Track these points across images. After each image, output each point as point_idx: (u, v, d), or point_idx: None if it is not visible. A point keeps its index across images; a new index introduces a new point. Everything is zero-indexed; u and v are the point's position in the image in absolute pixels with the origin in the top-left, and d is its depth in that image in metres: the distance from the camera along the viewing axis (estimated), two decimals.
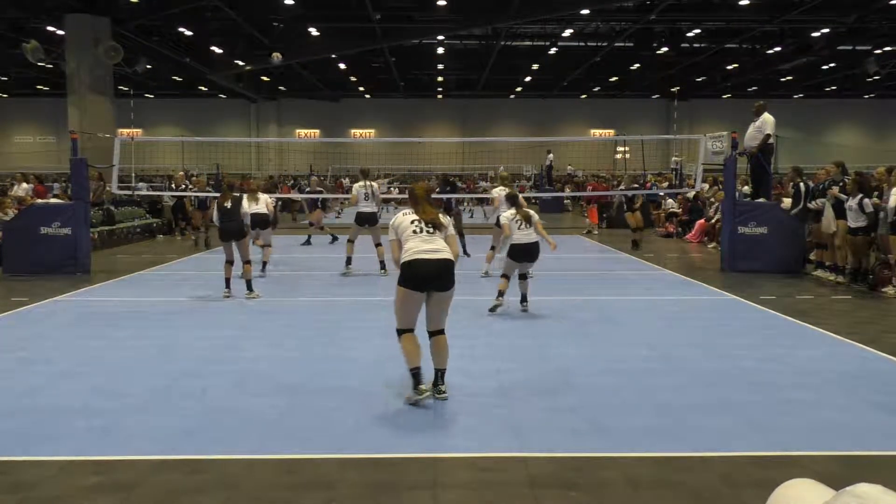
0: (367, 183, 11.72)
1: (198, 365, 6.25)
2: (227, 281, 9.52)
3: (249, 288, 9.48)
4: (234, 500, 3.74)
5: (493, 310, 8.36)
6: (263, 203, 11.59)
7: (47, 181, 26.62)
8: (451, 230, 5.43)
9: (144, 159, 36.19)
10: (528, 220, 8.33)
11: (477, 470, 4.10)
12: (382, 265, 11.47)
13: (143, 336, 7.33)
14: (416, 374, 5.16)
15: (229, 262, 9.51)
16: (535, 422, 4.85)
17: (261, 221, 11.53)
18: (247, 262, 9.55)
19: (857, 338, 7.24)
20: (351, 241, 11.76)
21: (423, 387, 5.15)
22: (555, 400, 5.28)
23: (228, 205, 9.40)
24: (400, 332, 5.28)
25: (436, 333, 5.34)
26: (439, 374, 5.30)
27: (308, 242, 16.34)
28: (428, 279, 5.14)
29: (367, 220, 11.48)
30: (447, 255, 5.22)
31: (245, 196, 10.02)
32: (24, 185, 17.95)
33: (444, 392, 5.26)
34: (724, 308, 8.97)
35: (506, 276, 8.49)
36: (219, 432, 4.66)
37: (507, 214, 8.56)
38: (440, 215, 5.44)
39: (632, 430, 4.69)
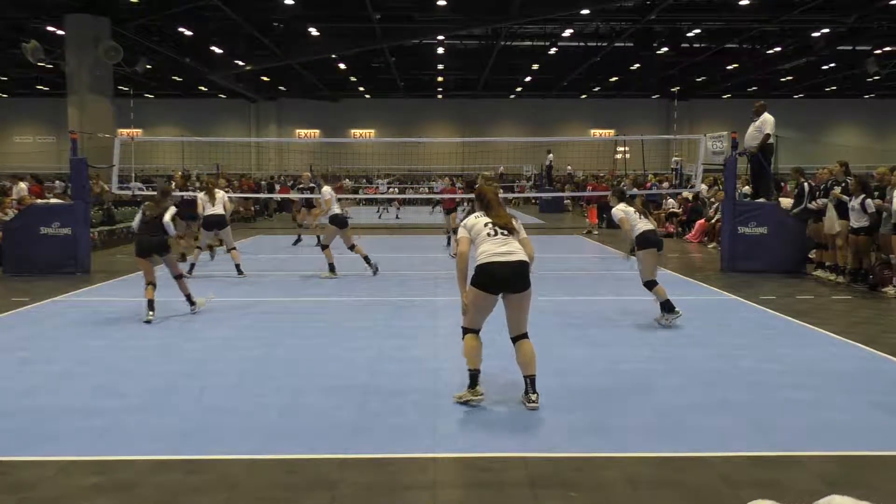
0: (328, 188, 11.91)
1: (197, 365, 6.25)
2: (151, 302, 8.02)
3: (191, 302, 8.39)
4: (234, 500, 3.74)
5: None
6: (220, 203, 11.55)
7: (47, 181, 26.64)
8: (524, 233, 5.38)
9: (144, 159, 36.20)
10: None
11: (477, 470, 4.10)
12: (367, 260, 11.49)
13: (143, 336, 7.34)
14: (474, 375, 5.17)
15: (151, 285, 8.07)
16: (535, 422, 4.85)
17: (217, 222, 11.50)
18: (178, 276, 8.40)
19: (857, 338, 7.24)
20: (327, 247, 11.57)
21: (479, 388, 5.14)
22: (555, 400, 5.28)
23: (152, 213, 8.21)
24: (465, 330, 5.27)
25: (519, 338, 5.27)
26: (529, 382, 5.15)
27: (298, 241, 16.30)
28: (503, 281, 5.12)
29: (342, 223, 11.41)
30: (522, 256, 5.19)
31: (199, 195, 9.28)
32: (21, 183, 17.95)
33: (534, 402, 5.06)
34: (724, 308, 8.98)
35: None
36: (219, 432, 4.66)
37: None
38: (512, 219, 5.39)
39: (632, 430, 4.69)
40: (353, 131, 47.67)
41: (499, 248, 5.13)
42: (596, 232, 19.87)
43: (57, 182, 25.93)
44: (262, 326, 7.85)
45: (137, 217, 8.39)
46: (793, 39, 30.25)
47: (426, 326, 7.83)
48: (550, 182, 29.90)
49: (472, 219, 5.41)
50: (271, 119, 48.17)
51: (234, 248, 11.79)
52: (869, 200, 10.10)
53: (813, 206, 11.78)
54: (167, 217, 8.15)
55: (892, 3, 23.21)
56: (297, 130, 48.07)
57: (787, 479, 3.96)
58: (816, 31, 28.54)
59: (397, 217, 25.99)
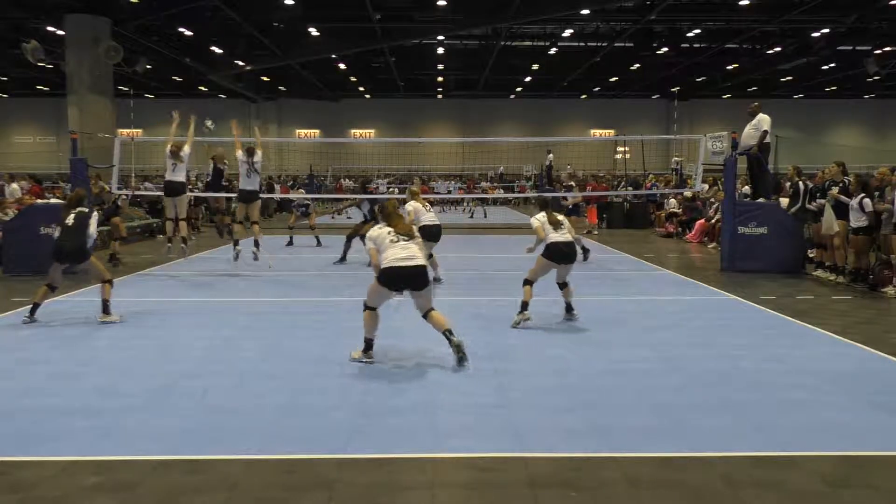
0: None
1: (197, 365, 6.25)
2: (36, 307, 7.94)
3: (106, 310, 8.02)
4: (234, 500, 3.74)
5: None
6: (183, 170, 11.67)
7: (48, 181, 26.64)
8: (420, 238, 6.53)
9: (144, 159, 36.18)
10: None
11: (477, 470, 4.10)
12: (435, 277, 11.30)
13: (143, 336, 7.33)
14: (370, 342, 6.31)
15: (51, 288, 7.99)
16: (535, 422, 4.85)
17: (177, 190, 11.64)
18: (107, 281, 8.10)
19: (857, 338, 7.24)
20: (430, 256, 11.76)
21: (371, 353, 6.28)
22: (554, 400, 5.28)
23: (70, 221, 7.95)
24: (366, 306, 6.31)
25: (428, 312, 6.34)
26: (448, 333, 6.21)
27: (318, 244, 16.32)
28: (405, 281, 6.20)
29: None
30: (421, 261, 6.28)
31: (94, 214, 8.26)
32: (14, 185, 17.93)
33: (458, 341, 6.17)
34: (724, 308, 8.97)
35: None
36: (218, 432, 4.66)
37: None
38: (411, 227, 6.60)
39: (632, 430, 4.69)
40: (353, 131, 47.68)
41: (401, 254, 6.17)
42: (596, 232, 19.87)
43: (63, 184, 25.88)
44: (262, 326, 7.85)
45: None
46: (793, 39, 30.26)
47: (426, 326, 7.81)
48: (550, 182, 29.90)
49: (375, 230, 6.47)
50: (271, 119, 48.16)
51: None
52: (867, 200, 10.10)
53: (812, 206, 11.79)
54: (91, 227, 8.00)
55: (892, 3, 23.23)
56: (297, 130, 48.08)
57: (787, 479, 3.96)
58: (816, 31, 28.56)
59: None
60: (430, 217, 10.38)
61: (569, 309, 8.13)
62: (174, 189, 11.58)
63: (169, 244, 11.78)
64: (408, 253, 6.20)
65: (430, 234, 9.90)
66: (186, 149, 11.59)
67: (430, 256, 10.05)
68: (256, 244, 11.61)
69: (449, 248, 14.60)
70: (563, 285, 8.11)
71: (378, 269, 6.25)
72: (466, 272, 11.06)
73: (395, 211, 6.59)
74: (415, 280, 6.19)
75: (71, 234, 7.91)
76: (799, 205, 12.31)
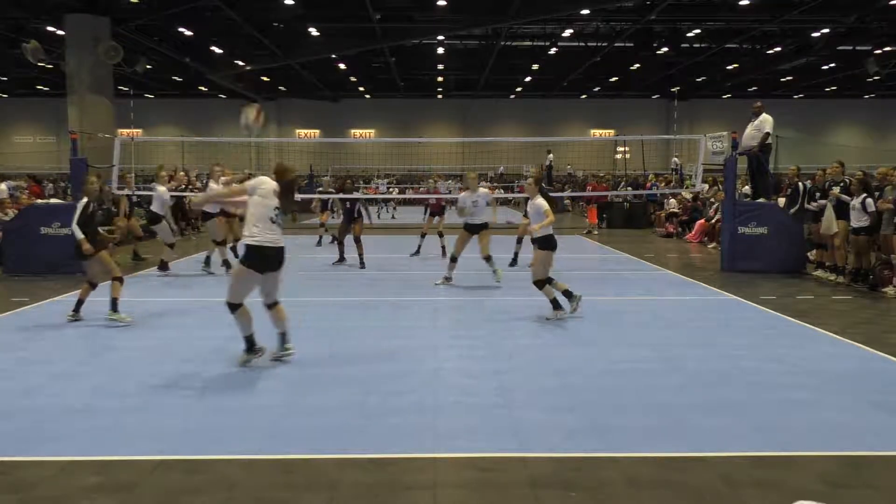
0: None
1: (198, 365, 6.24)
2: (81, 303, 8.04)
3: (75, 308, 8.05)
4: (234, 500, 3.74)
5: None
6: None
7: (46, 181, 26.60)
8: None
9: (144, 159, 36.19)
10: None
11: (477, 470, 4.10)
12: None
13: (143, 336, 7.33)
14: (251, 339, 6.14)
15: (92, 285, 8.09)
16: (535, 422, 4.85)
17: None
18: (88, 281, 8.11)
19: (857, 338, 7.24)
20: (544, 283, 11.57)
21: (256, 347, 6.14)
22: (555, 400, 5.29)
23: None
24: (234, 306, 6.06)
25: (274, 305, 6.28)
26: (283, 336, 6.30)
27: (319, 244, 16.35)
28: (272, 263, 6.05)
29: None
30: (283, 243, 6.12)
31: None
32: (2, 185, 17.90)
33: (290, 348, 6.29)
34: (724, 308, 8.97)
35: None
36: (219, 432, 4.66)
37: None
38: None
39: (632, 430, 4.69)
40: (353, 131, 47.67)
41: (271, 235, 5.98)
42: (596, 232, 19.87)
43: (49, 184, 25.71)
44: (262, 326, 7.82)
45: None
46: (793, 39, 30.24)
47: (426, 326, 7.83)
48: (550, 182, 29.88)
49: (267, 187, 6.12)
50: (271, 119, 48.10)
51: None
52: (869, 200, 10.10)
53: (812, 206, 11.78)
54: (73, 221, 7.82)
55: (892, 3, 23.20)
56: (297, 130, 48.06)
57: (787, 479, 3.96)
58: (816, 31, 28.53)
59: (393, 217, 26.00)
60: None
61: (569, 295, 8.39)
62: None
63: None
64: (278, 235, 6.05)
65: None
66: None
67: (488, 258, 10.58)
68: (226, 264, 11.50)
69: (449, 247, 14.58)
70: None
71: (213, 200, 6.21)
72: (467, 272, 11.06)
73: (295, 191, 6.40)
74: (280, 261, 6.12)
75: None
76: (798, 206, 12.30)
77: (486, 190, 9.97)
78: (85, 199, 7.99)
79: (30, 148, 45.58)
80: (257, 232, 5.94)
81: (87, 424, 4.78)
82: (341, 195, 13.97)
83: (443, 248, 13.71)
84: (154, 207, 12.09)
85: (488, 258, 10.67)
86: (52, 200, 15.02)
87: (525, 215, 12.58)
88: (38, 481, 3.94)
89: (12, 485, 3.90)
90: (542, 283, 8.17)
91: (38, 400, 5.30)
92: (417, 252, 13.99)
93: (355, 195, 13.69)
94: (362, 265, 12.18)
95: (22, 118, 46.98)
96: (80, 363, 6.33)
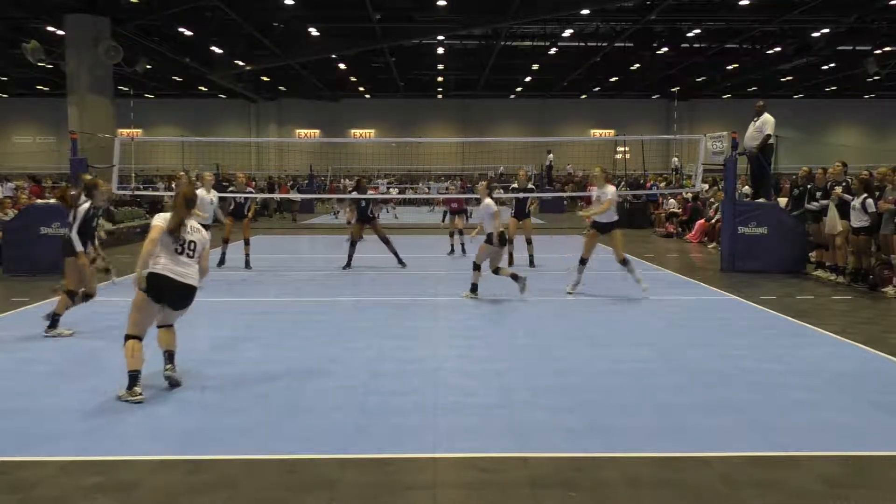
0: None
1: (198, 365, 6.25)
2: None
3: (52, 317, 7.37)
4: (234, 501, 3.74)
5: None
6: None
7: (43, 181, 26.56)
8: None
9: (144, 159, 36.21)
10: None
11: (477, 470, 4.10)
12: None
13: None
14: (136, 376, 5.28)
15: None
16: (535, 422, 4.85)
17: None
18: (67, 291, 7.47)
19: (857, 338, 7.24)
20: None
21: (138, 389, 5.25)
22: (555, 400, 5.29)
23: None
24: (130, 335, 5.42)
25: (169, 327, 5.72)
26: (169, 355, 5.63)
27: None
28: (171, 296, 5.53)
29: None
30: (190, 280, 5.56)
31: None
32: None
33: (172, 370, 5.59)
34: (724, 308, 8.97)
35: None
36: (219, 432, 4.66)
37: None
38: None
39: (632, 430, 4.69)
40: (353, 131, 47.68)
41: (177, 268, 5.47)
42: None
43: (7, 184, 25.14)
44: (262, 326, 7.85)
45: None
46: (793, 39, 30.25)
47: (426, 326, 7.83)
48: (550, 182, 29.90)
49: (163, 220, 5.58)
50: (271, 119, 48.16)
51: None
52: (870, 200, 10.10)
53: (814, 206, 11.79)
54: (74, 230, 7.32)
55: (892, 3, 23.22)
56: (297, 130, 48.08)
57: (787, 479, 3.96)
58: (816, 31, 28.54)
59: (395, 217, 26.00)
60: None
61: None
62: None
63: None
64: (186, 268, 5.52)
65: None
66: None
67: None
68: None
69: (448, 247, 14.60)
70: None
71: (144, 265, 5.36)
72: (467, 272, 11.05)
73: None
74: (184, 298, 5.61)
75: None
76: (801, 209, 12.32)
77: (490, 202, 9.55)
78: (87, 204, 7.37)
79: (30, 148, 45.59)
80: (160, 263, 5.44)
81: (87, 424, 4.78)
82: (355, 194, 13.79)
83: (462, 245, 14.16)
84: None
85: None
86: (52, 200, 15.00)
87: (513, 215, 12.64)
88: (38, 481, 3.94)
89: (12, 485, 3.90)
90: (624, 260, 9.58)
91: (38, 400, 5.30)
92: (452, 251, 14.34)
93: (370, 195, 13.45)
94: (401, 263, 12.18)
95: (22, 118, 46.99)
96: (80, 363, 6.33)
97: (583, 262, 9.85)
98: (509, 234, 12.52)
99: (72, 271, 7.28)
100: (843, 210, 10.65)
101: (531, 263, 12.34)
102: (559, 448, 4.40)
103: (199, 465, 4.14)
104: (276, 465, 4.15)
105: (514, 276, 9.26)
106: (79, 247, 7.26)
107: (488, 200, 9.54)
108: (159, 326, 5.66)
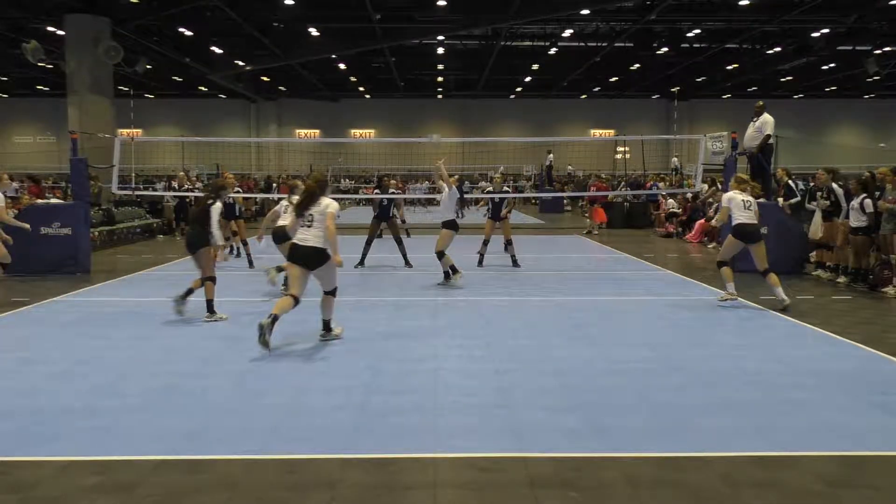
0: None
1: (198, 365, 6.25)
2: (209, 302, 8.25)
3: (210, 309, 8.25)
4: (235, 501, 3.74)
5: None
6: None
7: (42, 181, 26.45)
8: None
9: (144, 159, 36.20)
10: None
11: (477, 470, 4.10)
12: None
13: (143, 336, 7.33)
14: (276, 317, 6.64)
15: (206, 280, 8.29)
16: (535, 422, 4.85)
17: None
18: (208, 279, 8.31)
19: (857, 338, 7.24)
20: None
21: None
22: (555, 400, 5.29)
23: (195, 212, 8.63)
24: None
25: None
26: (327, 322, 7.21)
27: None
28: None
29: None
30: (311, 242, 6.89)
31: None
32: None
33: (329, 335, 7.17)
34: (725, 308, 8.97)
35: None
36: (219, 432, 4.66)
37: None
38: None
39: (632, 430, 4.69)
40: (353, 131, 47.68)
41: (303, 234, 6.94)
42: (596, 232, 19.88)
43: (12, 184, 25.14)
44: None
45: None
46: (793, 39, 30.25)
47: (426, 326, 7.83)
48: (551, 182, 29.90)
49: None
50: (271, 119, 48.17)
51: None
52: (868, 201, 10.11)
53: (812, 206, 11.80)
54: (213, 217, 8.04)
55: (892, 3, 23.22)
56: (297, 130, 48.08)
57: (787, 479, 3.96)
58: (816, 31, 28.54)
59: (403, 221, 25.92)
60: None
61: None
62: None
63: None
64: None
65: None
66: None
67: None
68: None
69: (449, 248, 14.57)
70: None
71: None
72: (467, 272, 11.06)
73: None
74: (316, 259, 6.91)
75: (194, 224, 8.29)
76: (795, 200, 12.52)
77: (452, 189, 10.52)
78: (219, 204, 8.22)
79: (30, 148, 45.61)
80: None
81: (87, 424, 4.78)
82: (376, 193, 13.86)
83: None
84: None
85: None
86: (53, 200, 15.00)
87: (489, 217, 12.62)
88: (38, 481, 3.94)
89: (12, 485, 3.90)
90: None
91: (38, 400, 5.30)
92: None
93: (390, 194, 13.37)
94: (408, 264, 12.23)
95: (22, 118, 47.01)
96: (80, 363, 6.33)
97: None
98: (485, 236, 12.57)
99: (207, 260, 8.20)
100: (836, 212, 10.95)
101: (514, 264, 12.34)
102: (559, 448, 4.40)
103: (199, 465, 4.14)
104: (276, 465, 4.15)
105: (453, 269, 10.25)
106: (220, 241, 8.20)
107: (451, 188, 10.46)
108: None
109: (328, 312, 7.17)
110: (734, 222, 8.95)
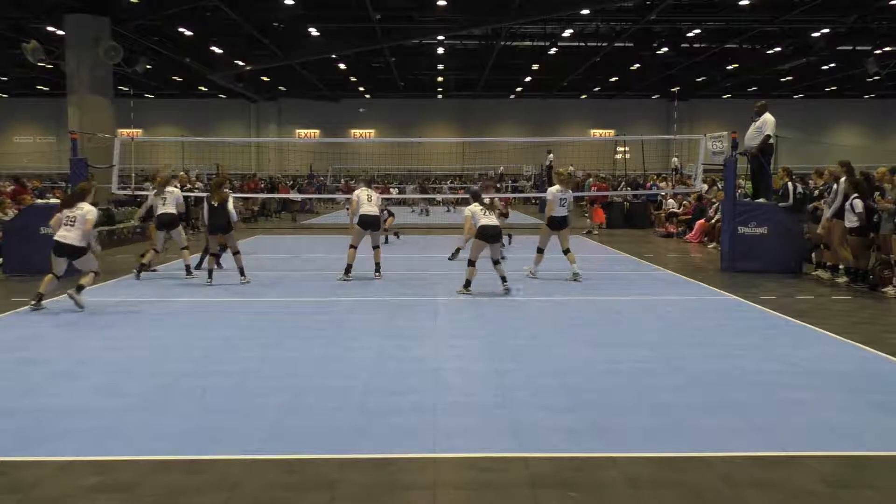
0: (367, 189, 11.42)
1: (198, 365, 6.25)
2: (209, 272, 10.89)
3: (242, 273, 10.82)
4: (235, 501, 3.74)
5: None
6: (172, 202, 11.28)
7: (46, 181, 26.50)
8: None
9: (144, 159, 36.21)
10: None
11: (477, 470, 4.10)
12: (377, 268, 11.29)
13: (143, 336, 7.34)
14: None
15: (214, 255, 10.92)
16: (535, 422, 4.85)
17: (169, 222, 11.27)
18: (235, 252, 10.93)
19: (857, 338, 7.24)
20: (354, 247, 11.12)
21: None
22: (555, 400, 5.28)
23: (215, 204, 10.54)
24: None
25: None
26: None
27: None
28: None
29: (370, 225, 11.01)
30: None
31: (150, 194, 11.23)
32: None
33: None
34: (724, 308, 8.98)
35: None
36: (219, 432, 4.66)
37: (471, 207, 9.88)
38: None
39: (632, 430, 4.69)
40: (353, 131, 47.69)
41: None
42: (596, 232, 19.88)
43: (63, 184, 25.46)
44: (262, 326, 7.84)
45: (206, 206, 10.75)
46: (793, 39, 30.26)
47: (426, 326, 7.83)
48: (551, 182, 29.87)
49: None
50: (271, 119, 48.19)
51: (186, 248, 11.43)
52: (857, 201, 10.14)
53: (811, 207, 11.82)
54: (229, 204, 10.61)
55: (892, 3, 23.23)
56: (297, 130, 48.09)
57: (787, 479, 3.96)
58: (816, 31, 28.55)
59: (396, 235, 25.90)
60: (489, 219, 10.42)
61: (503, 280, 9.74)
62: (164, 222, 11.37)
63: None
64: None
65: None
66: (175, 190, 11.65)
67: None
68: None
69: (447, 247, 14.59)
70: (496, 262, 9.77)
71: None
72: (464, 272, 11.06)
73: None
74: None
75: (218, 214, 10.49)
76: (789, 203, 12.57)
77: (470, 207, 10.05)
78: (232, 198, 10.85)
79: (30, 148, 45.64)
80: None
81: (87, 424, 4.78)
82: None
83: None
84: (169, 209, 11.35)
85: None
86: (53, 200, 15.00)
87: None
88: (38, 481, 3.94)
89: (12, 485, 3.90)
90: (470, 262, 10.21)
91: (38, 400, 5.30)
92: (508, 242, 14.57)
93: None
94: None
95: (22, 118, 47.04)
96: (80, 363, 6.33)
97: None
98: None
99: (232, 237, 10.83)
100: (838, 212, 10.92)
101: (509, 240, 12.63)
102: (559, 448, 4.40)
103: (199, 465, 4.14)
104: (276, 465, 4.15)
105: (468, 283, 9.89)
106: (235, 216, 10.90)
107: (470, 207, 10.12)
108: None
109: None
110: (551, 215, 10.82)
